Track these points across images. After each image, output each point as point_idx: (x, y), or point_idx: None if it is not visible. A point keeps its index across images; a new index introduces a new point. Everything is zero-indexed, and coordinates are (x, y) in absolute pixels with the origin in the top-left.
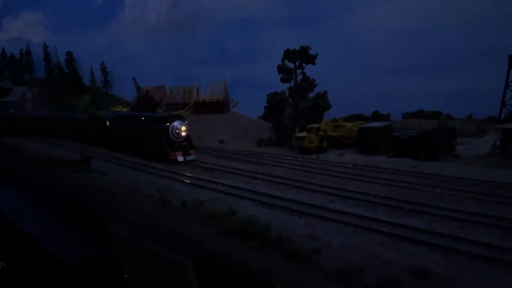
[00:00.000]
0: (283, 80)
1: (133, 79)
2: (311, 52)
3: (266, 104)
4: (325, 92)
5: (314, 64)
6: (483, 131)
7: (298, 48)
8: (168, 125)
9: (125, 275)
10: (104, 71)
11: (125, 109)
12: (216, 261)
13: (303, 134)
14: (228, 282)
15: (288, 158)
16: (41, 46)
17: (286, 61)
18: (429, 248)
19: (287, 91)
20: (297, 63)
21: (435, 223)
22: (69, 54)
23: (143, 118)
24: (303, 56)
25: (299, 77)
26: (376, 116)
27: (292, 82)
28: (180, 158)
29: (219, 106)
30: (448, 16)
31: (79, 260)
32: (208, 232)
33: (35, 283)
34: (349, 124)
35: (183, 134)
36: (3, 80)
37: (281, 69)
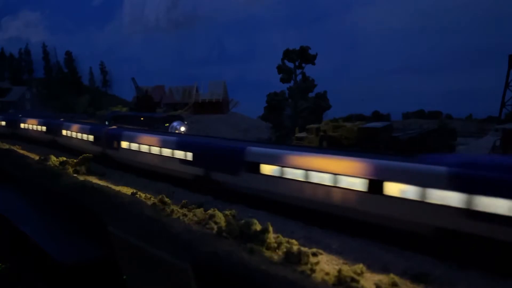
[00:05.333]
0: (282, 80)
1: (133, 79)
2: (311, 52)
3: (265, 104)
4: (325, 92)
5: (314, 64)
6: (483, 131)
7: (297, 48)
8: (167, 125)
9: (124, 277)
10: (103, 70)
11: (124, 109)
12: None
13: (303, 134)
14: None
15: None
16: (40, 45)
17: (285, 61)
18: None
19: (286, 92)
20: (297, 63)
21: None
22: (68, 54)
23: (142, 118)
24: (303, 56)
25: (299, 77)
26: (376, 116)
27: (292, 82)
28: None
29: (219, 106)
30: (448, 16)
31: (79, 261)
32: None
33: (35, 284)
34: (349, 125)
35: None
36: (2, 80)
37: (280, 69)
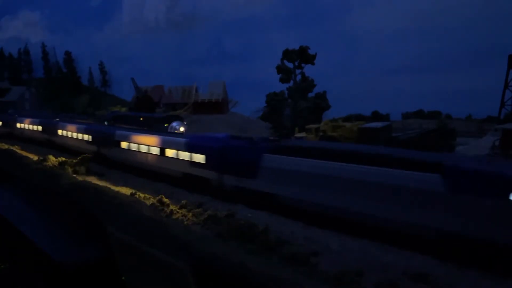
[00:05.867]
0: (282, 81)
1: (132, 79)
2: (310, 52)
3: (265, 104)
4: (325, 92)
5: (313, 64)
6: (482, 131)
7: (297, 48)
8: (166, 125)
9: (123, 278)
10: (102, 70)
11: (123, 109)
12: None
13: (303, 134)
14: None
15: None
16: (39, 45)
17: (285, 61)
18: None
19: (286, 92)
20: (296, 63)
21: None
22: (68, 54)
23: (141, 119)
24: (302, 56)
25: (298, 77)
26: (376, 116)
27: (291, 82)
28: None
29: (218, 106)
30: (447, 16)
31: (78, 262)
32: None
33: (35, 284)
34: (348, 125)
35: None
36: (2, 80)
37: (280, 69)
